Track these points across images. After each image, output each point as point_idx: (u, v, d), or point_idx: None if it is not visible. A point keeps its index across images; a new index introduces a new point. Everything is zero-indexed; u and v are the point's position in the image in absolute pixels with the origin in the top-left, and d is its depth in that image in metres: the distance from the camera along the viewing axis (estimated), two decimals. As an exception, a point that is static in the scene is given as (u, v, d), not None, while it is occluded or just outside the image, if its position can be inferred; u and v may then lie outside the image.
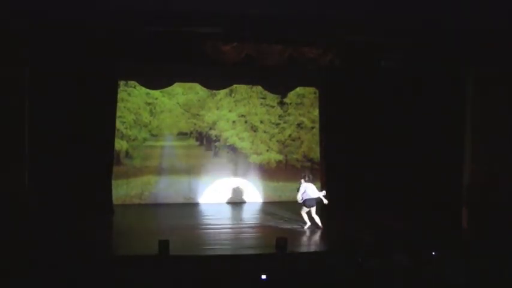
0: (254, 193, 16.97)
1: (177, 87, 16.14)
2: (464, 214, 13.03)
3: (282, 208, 15.91)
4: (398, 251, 9.72)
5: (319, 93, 16.62)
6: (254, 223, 13.81)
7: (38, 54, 12.22)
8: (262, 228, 13.19)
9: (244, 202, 16.68)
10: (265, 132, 17.01)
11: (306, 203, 13.02)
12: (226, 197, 16.71)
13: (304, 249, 11.72)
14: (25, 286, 8.18)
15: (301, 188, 13.09)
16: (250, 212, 15.41)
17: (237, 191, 16.80)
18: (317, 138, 16.82)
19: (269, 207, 16.08)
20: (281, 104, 17.04)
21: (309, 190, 13.02)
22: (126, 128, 16.06)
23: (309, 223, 13.11)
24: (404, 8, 11.36)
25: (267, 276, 8.14)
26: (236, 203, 16.47)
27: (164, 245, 10.63)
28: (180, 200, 16.29)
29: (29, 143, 11.88)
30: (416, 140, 14.70)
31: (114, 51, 13.00)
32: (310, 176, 13.35)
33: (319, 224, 13.08)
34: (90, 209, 14.17)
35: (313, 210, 13.10)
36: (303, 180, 13.16)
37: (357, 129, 15.40)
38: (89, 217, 13.79)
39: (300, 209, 13.30)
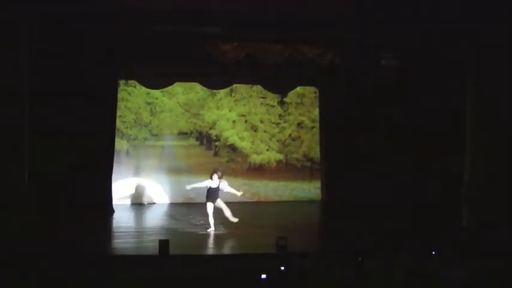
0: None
1: (177, 87, 16.15)
2: (464, 213, 13.02)
3: (282, 208, 15.95)
4: (399, 250, 9.71)
5: (319, 93, 16.63)
6: (255, 223, 13.78)
7: (38, 53, 12.23)
8: (263, 228, 13.17)
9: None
10: (265, 131, 17.01)
11: (210, 197, 12.28)
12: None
13: (304, 249, 11.69)
14: (25, 286, 8.18)
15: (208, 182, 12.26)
16: (248, 212, 15.38)
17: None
18: (317, 137, 16.83)
19: (270, 207, 16.10)
20: (281, 103, 17.05)
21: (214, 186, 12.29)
22: (126, 128, 16.06)
23: (213, 227, 12.39)
24: (404, 7, 11.38)
25: (267, 276, 8.14)
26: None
27: (164, 244, 10.63)
28: (180, 200, 16.28)
29: (29, 143, 11.88)
30: (416, 138, 14.70)
31: (115, 50, 13.03)
32: (220, 174, 12.45)
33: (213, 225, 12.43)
34: (90, 209, 14.17)
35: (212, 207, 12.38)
36: (216, 176, 12.25)
37: (357, 128, 15.40)
38: (89, 217, 13.80)
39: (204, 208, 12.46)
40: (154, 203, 16.13)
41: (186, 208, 15.32)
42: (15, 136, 11.57)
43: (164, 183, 16.33)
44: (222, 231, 12.40)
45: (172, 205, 15.87)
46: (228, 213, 12.54)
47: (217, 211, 12.47)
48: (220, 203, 12.44)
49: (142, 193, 16.21)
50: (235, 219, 12.61)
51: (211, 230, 12.33)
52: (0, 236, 10.33)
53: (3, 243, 10.00)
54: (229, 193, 12.63)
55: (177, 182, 15.97)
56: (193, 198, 16.26)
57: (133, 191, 16.14)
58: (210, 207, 12.31)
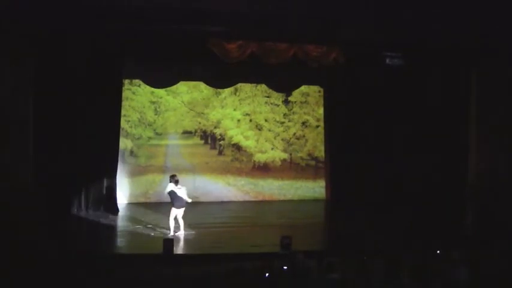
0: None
1: (182, 86, 16.14)
2: (468, 212, 13.01)
3: (287, 207, 15.94)
4: (403, 250, 9.71)
5: (323, 92, 16.61)
6: (258, 222, 13.78)
7: (43, 53, 12.25)
8: (266, 227, 13.18)
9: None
10: (270, 130, 17.00)
11: (176, 203, 12.25)
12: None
13: (308, 248, 11.69)
14: (28, 284, 8.20)
15: (176, 189, 12.27)
16: (251, 211, 15.38)
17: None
18: (322, 136, 16.81)
19: (274, 206, 16.09)
20: (286, 102, 17.02)
21: (180, 191, 12.35)
22: (130, 127, 16.07)
23: (173, 232, 12.18)
24: (408, 7, 11.36)
25: (271, 275, 8.14)
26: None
27: (168, 243, 10.66)
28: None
29: (34, 142, 11.91)
30: (420, 138, 14.68)
31: (119, 50, 13.05)
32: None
33: (182, 228, 12.31)
34: (94, 208, 14.22)
35: (181, 212, 12.34)
36: (173, 184, 12.31)
37: (361, 127, 15.38)
38: (94, 216, 13.84)
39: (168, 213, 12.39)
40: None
41: (190, 207, 15.32)
42: (20, 135, 11.61)
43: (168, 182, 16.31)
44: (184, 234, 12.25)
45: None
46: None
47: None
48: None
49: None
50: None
51: (171, 234, 12.13)
52: (3, 235, 10.36)
53: (6, 242, 10.03)
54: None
55: (181, 181, 15.91)
56: (198, 198, 16.28)
57: (137, 190, 16.12)
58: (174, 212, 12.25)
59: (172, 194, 12.30)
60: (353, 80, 15.06)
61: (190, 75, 15.33)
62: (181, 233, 12.31)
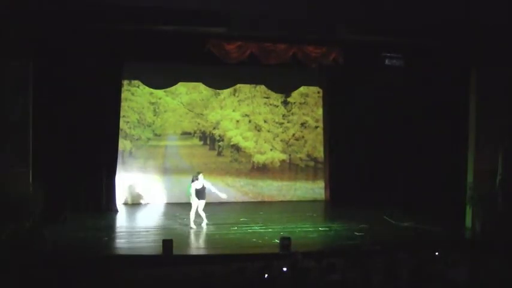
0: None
1: (181, 87, 16.14)
2: (468, 212, 13.01)
3: (286, 208, 15.92)
4: (402, 251, 9.69)
5: (323, 93, 16.62)
6: (258, 222, 13.76)
7: (42, 53, 12.24)
8: (265, 228, 13.16)
9: None
10: (269, 131, 16.99)
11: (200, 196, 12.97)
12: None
13: (307, 249, 11.67)
14: (27, 285, 8.19)
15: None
16: (251, 212, 15.35)
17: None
18: (321, 137, 16.82)
19: (274, 207, 16.07)
20: (285, 103, 17.02)
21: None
22: (129, 128, 16.05)
23: (194, 225, 12.86)
24: (408, 7, 11.38)
25: (270, 276, 8.13)
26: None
27: (168, 244, 10.64)
28: (184, 200, 16.26)
29: (33, 142, 11.89)
30: (420, 139, 14.68)
31: (119, 50, 13.04)
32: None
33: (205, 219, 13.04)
34: (93, 209, 14.20)
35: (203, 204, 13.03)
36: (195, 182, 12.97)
37: (360, 128, 15.38)
38: (93, 216, 13.81)
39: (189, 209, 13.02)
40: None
41: (189, 208, 15.34)
42: (19, 136, 11.59)
43: (167, 183, 16.31)
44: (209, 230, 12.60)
45: (176, 205, 15.83)
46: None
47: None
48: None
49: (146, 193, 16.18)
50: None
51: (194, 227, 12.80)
52: (4, 235, 10.34)
53: (5, 243, 10.01)
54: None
55: (181, 182, 15.92)
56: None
57: (136, 190, 16.09)
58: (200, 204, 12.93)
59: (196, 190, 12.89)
60: (353, 80, 15.06)
61: (189, 76, 15.35)
62: (204, 225, 12.93)
